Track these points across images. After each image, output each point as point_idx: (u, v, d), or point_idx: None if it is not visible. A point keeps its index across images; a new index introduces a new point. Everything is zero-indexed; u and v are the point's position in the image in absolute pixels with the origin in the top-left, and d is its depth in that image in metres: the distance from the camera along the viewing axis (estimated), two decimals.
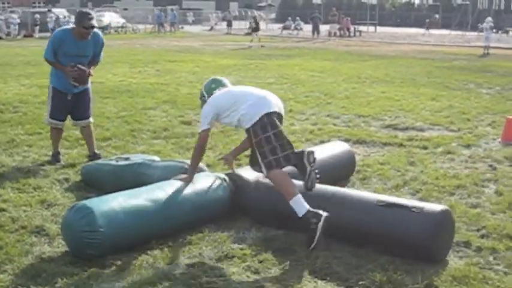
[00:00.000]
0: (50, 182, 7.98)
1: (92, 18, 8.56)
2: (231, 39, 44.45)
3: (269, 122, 6.22)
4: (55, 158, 9.09)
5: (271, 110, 6.31)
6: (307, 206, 5.92)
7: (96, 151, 9.27)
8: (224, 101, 6.55)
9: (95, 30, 8.71)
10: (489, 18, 36.05)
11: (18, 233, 6.21)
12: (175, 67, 23.47)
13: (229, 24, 60.24)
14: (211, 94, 6.78)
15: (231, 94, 6.67)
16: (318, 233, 5.74)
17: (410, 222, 5.54)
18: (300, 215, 5.92)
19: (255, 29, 41.58)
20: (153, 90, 16.59)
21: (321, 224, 5.75)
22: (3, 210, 6.86)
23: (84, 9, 9.72)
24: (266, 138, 6.17)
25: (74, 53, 8.68)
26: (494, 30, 39.10)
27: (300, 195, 6.03)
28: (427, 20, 63.28)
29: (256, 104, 6.33)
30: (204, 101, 6.82)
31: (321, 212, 5.83)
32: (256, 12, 61.84)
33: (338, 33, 51.96)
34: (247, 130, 6.35)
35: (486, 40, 33.91)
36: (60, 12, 58.28)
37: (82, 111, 9.19)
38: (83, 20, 8.51)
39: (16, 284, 5.06)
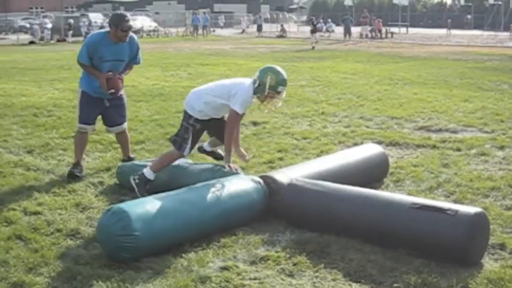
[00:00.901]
0: (84, 185, 8.06)
1: (128, 20, 8.41)
2: (262, 42, 44.47)
3: None
4: (75, 169, 8.55)
5: None
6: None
7: (131, 155, 9.23)
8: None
9: (130, 33, 8.59)
10: None
11: (53, 236, 6.29)
12: (207, 70, 23.57)
13: (259, 29, 60.25)
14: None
15: None
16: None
17: (445, 225, 5.50)
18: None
19: (313, 30, 41.44)
20: (186, 94, 16.53)
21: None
22: (39, 213, 6.95)
23: (120, 12, 9.66)
24: None
25: (111, 58, 8.52)
26: None
27: None
28: (449, 20, 62.84)
29: None
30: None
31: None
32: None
33: (370, 35, 51.79)
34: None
35: None
36: (95, 16, 58.83)
37: (117, 117, 8.94)
38: (120, 22, 8.31)
39: (52, 286, 5.13)
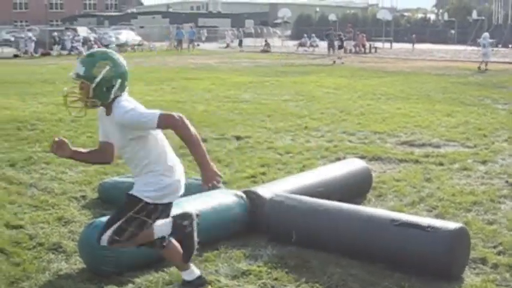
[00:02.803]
0: (67, 199, 8.05)
1: None
2: (246, 57, 44.59)
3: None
4: None
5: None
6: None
7: None
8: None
9: None
10: (486, 34, 35.93)
11: (35, 250, 6.28)
12: (191, 85, 23.59)
13: (240, 44, 60.81)
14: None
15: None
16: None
17: (425, 242, 5.53)
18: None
19: (340, 46, 41.64)
20: (169, 108, 16.61)
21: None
22: (21, 227, 6.93)
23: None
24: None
25: None
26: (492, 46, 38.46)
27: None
28: (413, 36, 63.17)
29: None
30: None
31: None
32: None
33: (353, 50, 51.99)
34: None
35: (484, 56, 33.65)
36: (82, 30, 58.91)
37: None
38: None
39: None
